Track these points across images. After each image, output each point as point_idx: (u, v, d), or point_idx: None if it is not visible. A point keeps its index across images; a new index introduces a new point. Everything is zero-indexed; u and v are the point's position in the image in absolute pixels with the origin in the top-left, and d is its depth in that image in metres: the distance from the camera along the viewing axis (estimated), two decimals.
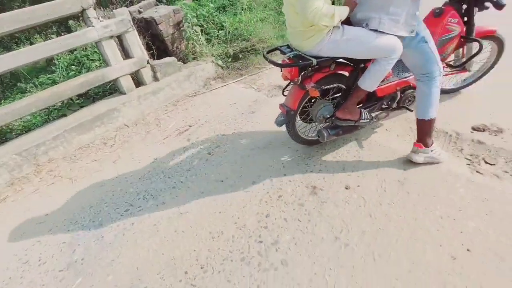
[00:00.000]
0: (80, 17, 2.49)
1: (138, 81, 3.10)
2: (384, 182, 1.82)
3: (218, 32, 3.70)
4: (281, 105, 1.90)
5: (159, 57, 3.25)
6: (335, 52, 1.59)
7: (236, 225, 1.71)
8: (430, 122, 1.73)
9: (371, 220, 1.61)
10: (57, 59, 4.52)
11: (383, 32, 1.54)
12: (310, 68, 1.66)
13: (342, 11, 1.46)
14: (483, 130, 2.07)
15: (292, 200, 1.80)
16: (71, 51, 4.01)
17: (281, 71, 1.78)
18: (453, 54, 2.21)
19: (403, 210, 1.63)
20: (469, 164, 1.87)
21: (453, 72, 2.25)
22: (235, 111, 2.79)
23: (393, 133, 2.21)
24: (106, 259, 1.65)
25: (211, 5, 3.92)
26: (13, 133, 2.82)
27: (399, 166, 1.91)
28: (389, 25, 1.53)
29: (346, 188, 1.82)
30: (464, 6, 1.88)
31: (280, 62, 1.69)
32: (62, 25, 7.33)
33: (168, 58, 3.13)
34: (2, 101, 6.42)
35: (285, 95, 1.94)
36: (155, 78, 3.08)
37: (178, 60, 3.26)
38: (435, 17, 1.89)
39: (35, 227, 1.95)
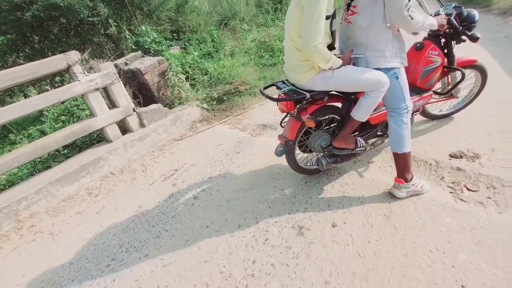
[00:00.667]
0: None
1: (125, 129, 3.16)
2: (371, 217, 1.80)
3: (203, 77, 3.89)
4: (280, 136, 1.97)
5: (146, 104, 3.36)
6: (327, 86, 1.68)
7: (222, 275, 1.63)
8: (405, 156, 1.77)
9: (360, 259, 1.56)
10: (47, 110, 4.62)
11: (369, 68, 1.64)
12: (304, 101, 1.75)
13: (336, 62, 1.55)
14: (461, 157, 2.12)
15: (279, 242, 1.75)
16: (62, 102, 4.12)
17: (277, 105, 1.90)
18: (440, 82, 2.39)
19: (392, 246, 1.60)
20: (452, 192, 1.88)
21: (442, 99, 2.41)
22: (220, 153, 2.82)
23: (375, 165, 2.24)
24: None
25: (196, 53, 4.16)
26: None
27: (383, 200, 1.91)
28: (376, 61, 1.64)
29: (333, 226, 1.78)
30: (443, 40, 2.07)
31: (276, 96, 1.79)
32: (55, 77, 7.60)
33: (154, 105, 3.23)
34: None
35: (282, 127, 2.02)
36: (142, 125, 3.14)
37: (165, 106, 3.36)
38: (416, 51, 2.07)
39: None
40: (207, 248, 1.82)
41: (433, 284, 1.37)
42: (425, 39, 2.10)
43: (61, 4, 5.68)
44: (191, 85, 3.74)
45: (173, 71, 3.41)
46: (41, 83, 9.13)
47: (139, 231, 2.07)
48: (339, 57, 1.58)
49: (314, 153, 2.14)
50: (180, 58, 3.96)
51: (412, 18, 1.47)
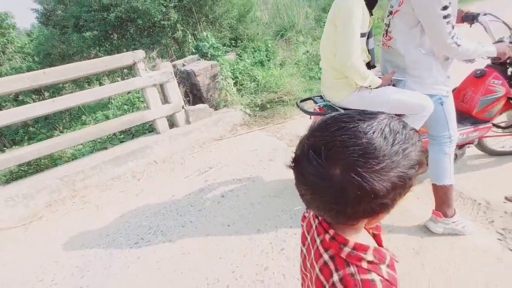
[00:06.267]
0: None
1: (172, 123, 3.45)
2: (398, 250, 1.67)
3: (251, 83, 4.05)
4: None
5: (194, 103, 3.62)
6: (362, 105, 1.62)
7: (233, 274, 1.68)
8: (445, 189, 1.62)
9: None
10: (114, 98, 5.27)
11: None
12: None
13: (375, 81, 1.51)
14: None
15: (294, 255, 1.74)
16: (128, 92, 4.67)
17: (311, 118, 1.90)
18: (505, 115, 2.13)
19: (415, 285, 1.47)
20: (500, 240, 1.65)
21: (505, 134, 2.16)
22: (254, 157, 2.90)
23: (413, 194, 2.08)
24: None
25: (248, 60, 4.36)
26: (62, 160, 3.25)
27: (416, 233, 1.76)
28: (415, 87, 1.56)
29: None
30: (510, 70, 1.87)
31: (311, 110, 1.81)
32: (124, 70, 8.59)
33: (201, 104, 3.47)
34: (66, 130, 7.43)
35: None
36: (187, 121, 3.39)
37: (210, 107, 3.58)
38: (476, 78, 1.90)
39: (57, 248, 2.12)
40: (224, 246, 1.89)
41: None
42: (487, 66, 1.91)
43: (140, 7, 6.44)
44: (238, 90, 3.93)
45: (223, 75, 3.63)
46: (114, 75, 10.41)
47: (168, 218, 2.24)
48: (379, 77, 1.54)
49: None
50: (233, 64, 4.19)
51: (458, 45, 1.36)
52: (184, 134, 3.28)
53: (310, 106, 1.86)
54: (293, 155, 0.49)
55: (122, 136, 3.55)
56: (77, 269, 1.91)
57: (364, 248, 0.50)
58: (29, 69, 10.16)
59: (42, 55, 11.40)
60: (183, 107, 3.33)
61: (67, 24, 10.01)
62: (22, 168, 3.08)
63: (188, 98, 3.63)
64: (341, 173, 0.42)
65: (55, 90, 10.17)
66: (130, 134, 3.61)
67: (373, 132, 0.42)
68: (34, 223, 2.47)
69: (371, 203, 0.43)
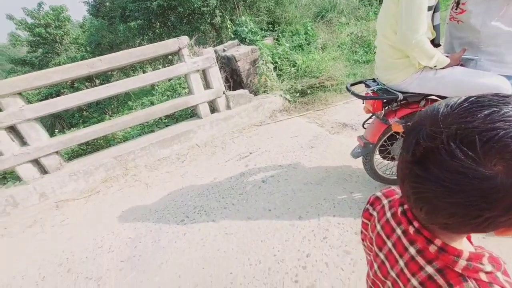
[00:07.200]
0: (177, 54, 3.08)
1: (213, 108, 3.52)
2: None
3: (291, 68, 3.95)
4: (359, 137, 1.88)
5: (235, 88, 3.64)
6: (425, 88, 1.50)
7: (275, 257, 1.70)
8: None
9: None
10: (158, 85, 5.54)
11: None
12: (395, 103, 1.62)
13: (442, 60, 1.38)
14: None
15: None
16: (170, 79, 4.87)
17: (363, 103, 1.79)
18: None
19: None
20: None
21: None
22: (295, 144, 2.86)
23: None
24: (157, 261, 1.85)
25: (287, 44, 4.24)
26: (115, 141, 3.52)
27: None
28: (491, 66, 1.39)
29: None
30: None
31: (363, 94, 1.71)
32: (167, 58, 8.94)
33: (241, 90, 3.48)
34: (115, 114, 8.02)
35: (365, 128, 1.92)
36: (228, 107, 3.44)
37: (250, 92, 3.58)
38: None
39: (113, 220, 2.34)
40: (266, 230, 1.91)
41: None
42: None
43: None
44: (278, 75, 3.86)
45: (263, 60, 3.59)
46: (155, 63, 10.88)
47: (211, 199, 2.33)
48: (446, 56, 1.38)
49: (396, 161, 1.96)
50: (272, 49, 4.11)
51: None
52: (225, 119, 3.34)
53: (361, 90, 1.75)
54: (413, 146, 0.40)
55: (166, 120, 3.73)
56: (130, 240, 2.09)
57: (479, 257, 0.43)
58: (83, 58, 11.08)
59: (94, 45, 12.32)
60: (224, 93, 3.38)
61: (114, 14, 10.63)
62: (82, 148, 3.41)
63: (228, 84, 3.67)
64: (506, 171, 0.34)
65: (105, 78, 10.99)
66: (174, 118, 3.78)
67: None
68: (93, 196, 2.74)
69: None
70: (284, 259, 1.68)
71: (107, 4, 11.92)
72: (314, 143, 2.80)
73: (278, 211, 2.05)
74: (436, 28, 1.42)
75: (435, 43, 1.45)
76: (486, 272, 0.42)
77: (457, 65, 1.43)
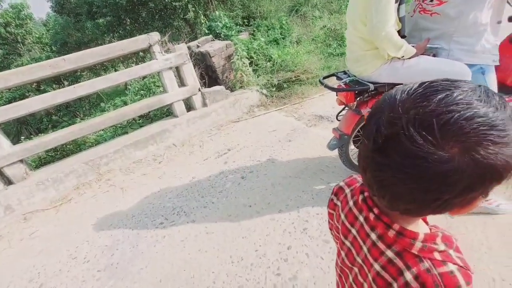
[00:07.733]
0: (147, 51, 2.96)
1: (189, 106, 3.44)
2: None
3: (266, 63, 3.93)
4: (334, 130, 1.91)
5: (210, 85, 3.58)
6: (394, 78, 1.55)
7: (256, 252, 1.70)
8: None
9: None
10: (130, 84, 5.32)
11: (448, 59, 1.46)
12: (366, 94, 1.66)
13: (409, 51, 1.43)
14: None
15: (317, 235, 1.73)
16: (143, 78, 4.69)
17: (337, 95, 1.82)
18: None
19: None
20: None
21: None
22: (273, 138, 2.86)
23: None
24: (136, 267, 1.79)
25: (262, 39, 4.21)
26: (87, 145, 3.35)
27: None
28: (460, 55, 1.45)
29: None
30: None
31: (335, 87, 1.73)
32: (139, 55, 8.62)
33: (217, 86, 3.42)
34: (87, 117, 7.66)
35: (338, 120, 1.95)
36: (204, 104, 3.37)
37: (226, 89, 3.53)
38: (511, 43, 1.73)
39: (87, 228, 2.23)
40: (247, 226, 1.90)
41: None
42: None
43: None
44: (253, 70, 3.83)
45: (238, 55, 3.54)
46: (128, 61, 10.48)
47: (190, 199, 2.28)
48: (412, 46, 1.42)
49: None
50: (247, 44, 4.07)
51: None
52: (202, 116, 3.27)
53: (333, 83, 1.78)
54: (372, 135, 0.40)
55: (141, 120, 3.60)
56: (107, 248, 2.01)
57: (433, 238, 0.45)
58: (48, 58, 10.42)
59: (59, 44, 11.63)
60: (199, 90, 3.30)
61: (81, 11, 10.06)
62: (50, 154, 3.21)
63: (204, 80, 3.60)
64: (462, 153, 0.34)
65: (73, 78, 10.43)
66: (148, 118, 3.65)
67: (483, 101, 0.35)
68: (64, 205, 2.59)
69: (488, 187, 0.37)
70: (265, 253, 1.68)
71: (72, 0, 11.27)
72: (292, 137, 2.82)
73: (258, 207, 2.05)
74: (402, 20, 1.46)
75: (401, 34, 1.49)
76: (440, 251, 0.44)
77: (424, 54, 1.48)
